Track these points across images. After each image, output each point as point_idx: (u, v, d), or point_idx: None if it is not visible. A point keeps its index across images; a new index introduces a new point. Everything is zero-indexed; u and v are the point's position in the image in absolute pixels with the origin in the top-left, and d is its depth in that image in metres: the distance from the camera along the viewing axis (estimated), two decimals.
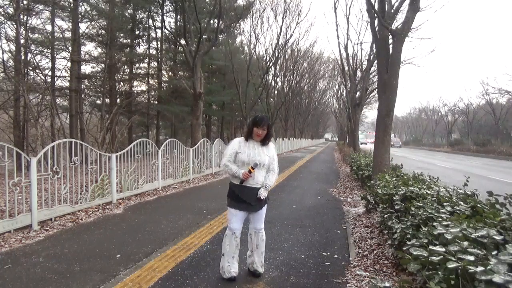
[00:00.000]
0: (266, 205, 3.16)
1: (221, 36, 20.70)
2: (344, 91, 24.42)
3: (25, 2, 13.42)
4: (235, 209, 3.05)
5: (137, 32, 21.10)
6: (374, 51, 11.30)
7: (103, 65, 17.22)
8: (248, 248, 3.23)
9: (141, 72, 22.78)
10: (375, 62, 10.91)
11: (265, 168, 3.10)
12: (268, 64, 24.41)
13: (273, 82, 29.16)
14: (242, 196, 3.01)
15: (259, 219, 3.13)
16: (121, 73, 20.51)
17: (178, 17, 20.52)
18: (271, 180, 3.10)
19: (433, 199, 3.05)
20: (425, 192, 3.32)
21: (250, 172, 2.95)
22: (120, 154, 6.78)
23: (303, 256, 3.74)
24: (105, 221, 5.17)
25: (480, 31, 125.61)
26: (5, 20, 12.85)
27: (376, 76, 12.49)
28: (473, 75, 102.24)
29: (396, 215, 3.38)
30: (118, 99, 18.84)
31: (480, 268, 1.49)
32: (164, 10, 20.06)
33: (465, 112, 47.92)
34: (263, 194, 3.04)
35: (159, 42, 22.79)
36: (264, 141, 3.13)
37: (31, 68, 14.81)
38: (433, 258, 1.70)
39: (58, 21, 16.31)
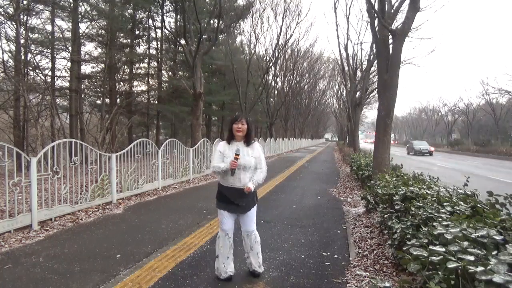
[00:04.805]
0: (255, 207, 3.14)
1: (221, 36, 20.71)
2: (344, 91, 24.46)
3: (25, 2, 13.42)
4: (224, 211, 3.05)
5: (137, 32, 21.06)
6: (374, 51, 11.30)
7: (103, 65, 17.20)
8: (245, 250, 3.22)
9: (141, 72, 22.75)
10: (375, 62, 10.91)
11: (252, 170, 3.05)
12: (268, 64, 24.43)
13: (273, 82, 29.22)
14: (230, 197, 3.00)
15: (250, 222, 3.10)
16: (121, 73, 20.48)
17: (178, 17, 20.49)
18: (258, 176, 3.07)
19: (433, 199, 3.05)
20: (425, 192, 3.32)
21: (236, 159, 2.92)
22: (120, 154, 6.78)
23: (303, 256, 3.74)
24: (105, 221, 5.17)
25: (480, 31, 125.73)
26: (5, 20, 12.84)
27: (376, 76, 12.50)
28: (473, 75, 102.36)
29: (396, 215, 3.38)
30: (118, 99, 18.79)
31: (480, 268, 1.49)
32: (164, 10, 20.02)
33: (465, 112, 47.91)
34: (250, 185, 2.96)
35: (159, 42, 22.77)
36: (248, 141, 3.09)
37: (31, 68, 14.79)
38: (433, 258, 1.70)
39: (58, 21, 16.27)
